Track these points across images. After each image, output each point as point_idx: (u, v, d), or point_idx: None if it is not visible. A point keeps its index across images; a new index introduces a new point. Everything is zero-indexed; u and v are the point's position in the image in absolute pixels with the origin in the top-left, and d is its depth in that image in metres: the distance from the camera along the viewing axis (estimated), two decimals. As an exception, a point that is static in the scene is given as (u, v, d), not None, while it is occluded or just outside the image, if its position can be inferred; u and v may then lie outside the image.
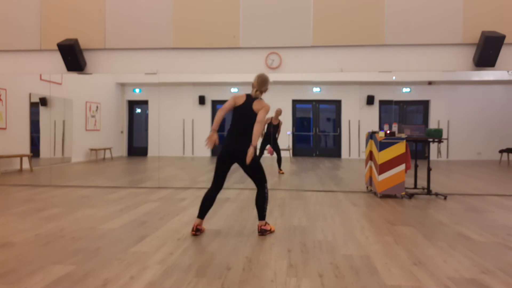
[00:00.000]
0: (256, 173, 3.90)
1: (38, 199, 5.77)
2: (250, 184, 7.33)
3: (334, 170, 9.86)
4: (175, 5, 6.92)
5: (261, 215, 3.91)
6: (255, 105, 3.85)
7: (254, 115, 3.83)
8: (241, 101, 3.91)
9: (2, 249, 3.38)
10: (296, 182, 7.71)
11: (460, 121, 13.07)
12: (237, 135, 3.86)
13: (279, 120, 9.28)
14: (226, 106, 3.90)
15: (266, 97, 4.09)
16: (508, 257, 3.26)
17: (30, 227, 4.10)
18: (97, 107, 12.84)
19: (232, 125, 3.93)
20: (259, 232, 3.90)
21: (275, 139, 9.26)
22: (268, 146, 9.21)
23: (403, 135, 6.09)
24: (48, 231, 3.95)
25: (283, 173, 9.08)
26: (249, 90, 4.04)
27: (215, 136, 3.83)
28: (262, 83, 3.94)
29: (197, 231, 3.84)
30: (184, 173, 9.07)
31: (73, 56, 6.83)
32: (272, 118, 9.16)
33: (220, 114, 3.85)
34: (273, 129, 9.16)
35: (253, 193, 6.29)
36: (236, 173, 9.16)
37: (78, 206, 5.26)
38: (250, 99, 3.92)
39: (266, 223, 3.94)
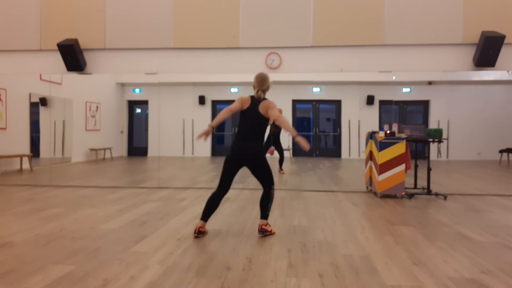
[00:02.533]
0: (264, 175, 3.89)
1: (38, 199, 5.77)
2: (250, 184, 7.33)
3: (334, 170, 9.86)
4: (175, 5, 6.92)
5: (264, 214, 3.89)
6: (261, 108, 3.81)
7: (261, 118, 3.81)
8: (247, 104, 3.86)
9: (2, 249, 3.38)
10: (296, 182, 7.71)
11: (460, 121, 13.07)
12: (245, 139, 3.83)
13: None
14: (232, 107, 3.84)
15: (265, 96, 4.05)
16: (508, 257, 3.26)
17: (30, 227, 4.10)
18: (97, 107, 12.84)
19: (240, 129, 3.90)
20: (259, 231, 3.87)
21: (278, 139, 9.23)
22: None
23: (403, 135, 6.09)
24: (48, 231, 3.95)
25: (283, 173, 9.08)
26: (249, 90, 4.04)
27: (210, 131, 3.75)
28: (261, 82, 3.89)
29: (199, 234, 3.79)
30: (184, 173, 9.07)
31: (73, 56, 6.83)
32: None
33: (225, 114, 3.79)
34: (275, 129, 9.14)
35: (253, 193, 6.29)
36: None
37: (78, 206, 5.26)
38: (255, 101, 3.87)
39: (267, 223, 3.90)
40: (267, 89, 3.95)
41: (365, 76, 12.54)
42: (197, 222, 4.03)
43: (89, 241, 3.63)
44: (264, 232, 3.86)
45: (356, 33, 6.68)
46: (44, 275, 2.78)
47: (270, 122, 4.12)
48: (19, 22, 7.14)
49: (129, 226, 4.20)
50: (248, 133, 3.84)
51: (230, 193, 6.29)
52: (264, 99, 3.90)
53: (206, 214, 3.83)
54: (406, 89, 13.82)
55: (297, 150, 14.05)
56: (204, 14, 6.89)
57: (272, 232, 3.94)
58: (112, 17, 7.01)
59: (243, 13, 6.82)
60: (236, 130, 3.95)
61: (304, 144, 3.60)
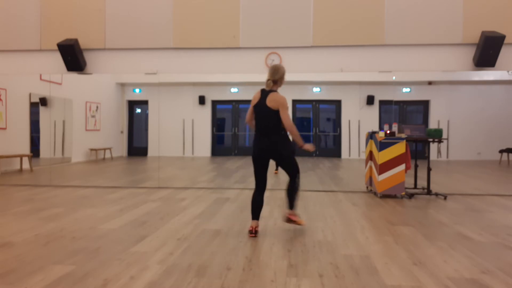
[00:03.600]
0: (289, 165, 3.91)
1: (38, 199, 5.77)
2: (250, 184, 7.33)
3: (334, 170, 9.86)
4: (175, 5, 6.92)
5: (291, 204, 3.95)
6: (269, 100, 3.74)
7: (269, 111, 3.74)
8: (256, 99, 3.85)
9: (2, 249, 3.38)
10: (296, 182, 7.70)
11: (460, 121, 13.07)
12: (260, 135, 3.85)
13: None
14: (247, 114, 3.98)
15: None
16: (508, 257, 3.26)
17: (30, 227, 4.10)
18: (97, 107, 12.84)
19: (255, 125, 3.91)
20: (286, 220, 3.96)
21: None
22: None
23: (403, 135, 6.09)
24: (48, 231, 3.95)
25: (277, 173, 9.03)
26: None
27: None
28: (273, 72, 3.84)
29: (255, 233, 3.83)
30: (184, 173, 9.08)
31: (73, 56, 6.82)
32: None
33: (249, 123, 4.00)
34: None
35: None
36: (236, 173, 9.16)
37: (78, 206, 5.26)
38: (264, 93, 3.82)
39: (295, 213, 3.98)
40: (279, 80, 3.86)
41: (365, 76, 12.55)
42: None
43: (89, 241, 3.63)
44: (291, 222, 3.96)
45: (356, 33, 6.67)
46: (44, 275, 2.78)
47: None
48: (19, 22, 7.14)
49: (129, 226, 4.20)
50: (260, 129, 3.84)
51: (230, 193, 6.30)
52: (274, 91, 3.83)
53: (255, 213, 3.89)
54: (406, 89, 13.82)
55: (297, 150, 14.02)
56: (204, 14, 6.89)
57: (301, 223, 4.00)
58: (112, 17, 7.01)
59: (243, 13, 6.82)
60: (255, 129, 3.96)
61: (310, 148, 3.77)
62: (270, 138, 3.79)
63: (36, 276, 2.76)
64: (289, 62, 6.84)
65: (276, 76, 3.83)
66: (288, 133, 3.88)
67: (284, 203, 5.49)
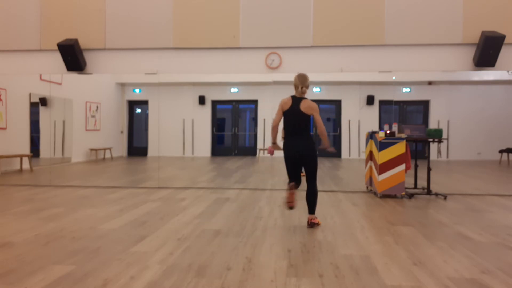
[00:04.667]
0: (314, 169, 4.23)
1: (38, 199, 5.77)
2: (250, 184, 7.34)
3: (334, 170, 9.86)
4: (175, 5, 6.92)
5: (312, 209, 4.23)
6: (302, 106, 4.12)
7: (303, 115, 4.11)
8: (288, 105, 4.19)
9: (2, 249, 3.38)
10: (296, 182, 7.69)
11: (460, 121, 13.07)
12: (292, 139, 4.20)
13: None
14: (276, 119, 4.25)
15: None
16: (508, 257, 3.26)
17: (30, 227, 4.10)
18: (97, 107, 12.84)
19: (286, 129, 4.26)
20: (308, 225, 4.19)
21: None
22: (268, 146, 9.15)
23: (403, 135, 6.09)
24: (48, 231, 3.96)
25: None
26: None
27: (276, 148, 4.39)
28: (304, 80, 4.20)
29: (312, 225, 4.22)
30: (184, 173, 9.08)
31: (73, 56, 6.82)
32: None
33: (274, 129, 4.27)
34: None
35: (253, 193, 6.30)
36: (236, 173, 9.16)
37: (78, 206, 5.26)
38: (296, 100, 4.18)
39: (315, 217, 4.24)
40: (307, 87, 4.25)
41: (365, 76, 12.54)
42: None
43: (89, 241, 3.63)
44: (313, 226, 4.21)
45: (356, 33, 6.67)
46: (44, 275, 2.78)
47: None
48: (19, 22, 7.14)
49: (129, 226, 4.20)
50: (292, 132, 4.19)
51: (230, 193, 6.30)
52: (305, 98, 4.22)
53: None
54: (406, 89, 13.82)
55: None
56: (204, 14, 6.89)
57: (319, 223, 4.29)
58: (112, 17, 7.01)
59: (243, 13, 6.82)
60: (283, 130, 4.37)
61: (334, 150, 4.29)
62: (303, 140, 4.16)
63: (36, 276, 2.76)
64: (289, 62, 6.84)
65: (306, 83, 4.22)
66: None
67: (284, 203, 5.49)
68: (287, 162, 4.26)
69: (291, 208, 4.16)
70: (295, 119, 4.16)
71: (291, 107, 4.17)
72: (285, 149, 4.24)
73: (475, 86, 13.33)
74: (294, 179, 4.26)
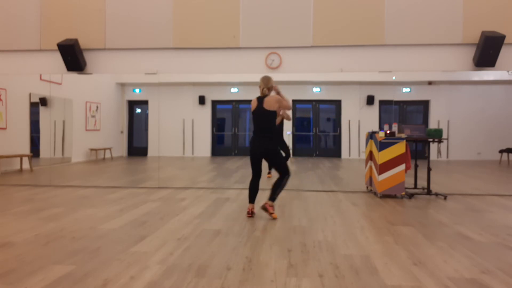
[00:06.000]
0: (278, 165, 4.54)
1: (38, 199, 5.77)
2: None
3: (334, 170, 9.86)
4: (175, 5, 6.92)
5: (271, 196, 4.49)
6: (266, 103, 4.43)
7: (267, 113, 4.43)
8: (254, 106, 4.54)
9: (2, 249, 3.38)
10: (296, 182, 7.70)
11: (460, 121, 13.08)
12: (258, 138, 4.50)
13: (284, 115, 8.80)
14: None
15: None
16: (508, 257, 3.26)
17: (30, 227, 4.11)
18: (97, 107, 12.84)
19: (254, 129, 4.60)
20: (262, 207, 4.50)
21: (282, 138, 9.08)
22: None
23: (403, 135, 6.09)
24: (48, 231, 3.96)
25: (270, 176, 8.96)
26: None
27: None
28: (266, 81, 4.55)
29: (252, 214, 4.58)
30: (184, 173, 9.08)
31: (73, 56, 6.82)
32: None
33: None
34: (278, 126, 8.93)
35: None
36: (236, 173, 9.16)
37: (78, 206, 5.26)
38: (260, 99, 4.51)
39: (272, 205, 4.49)
40: (271, 87, 4.59)
41: (365, 76, 12.54)
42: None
43: (89, 241, 3.63)
44: (266, 210, 4.48)
45: (356, 33, 6.67)
46: (44, 275, 2.78)
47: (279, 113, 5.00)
48: (19, 22, 7.14)
49: (129, 226, 4.20)
50: (258, 131, 4.51)
51: (230, 193, 6.30)
52: (269, 95, 4.53)
53: (252, 198, 4.61)
54: (406, 89, 13.82)
55: (297, 150, 14.06)
56: (204, 14, 6.89)
57: (273, 216, 4.49)
58: (112, 17, 7.01)
59: (243, 13, 6.82)
60: (253, 129, 4.68)
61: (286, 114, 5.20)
62: (266, 139, 4.48)
63: (36, 276, 2.76)
64: (289, 62, 6.84)
65: (269, 85, 4.56)
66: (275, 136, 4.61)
67: (284, 203, 5.49)
68: (252, 159, 4.58)
69: (249, 215, 4.57)
70: (260, 119, 4.50)
71: (256, 108, 4.51)
72: (252, 147, 4.55)
73: (475, 86, 13.34)
74: (256, 173, 4.58)
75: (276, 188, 4.50)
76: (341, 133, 13.97)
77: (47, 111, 10.66)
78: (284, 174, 4.52)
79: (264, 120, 4.47)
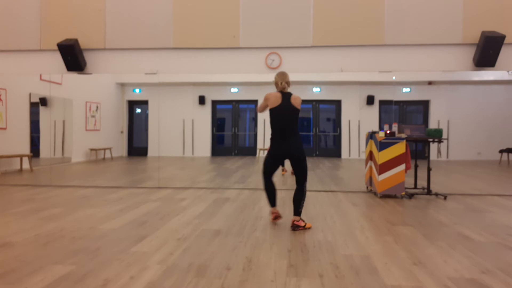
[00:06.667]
0: (303, 170, 4.13)
1: (38, 199, 5.77)
2: (250, 184, 7.33)
3: (334, 170, 9.86)
4: (175, 5, 6.92)
5: (297, 211, 4.08)
6: (294, 100, 4.10)
7: (296, 111, 4.10)
8: (277, 101, 4.08)
9: (2, 249, 3.38)
10: (296, 182, 7.69)
11: (460, 121, 13.06)
12: (285, 139, 4.07)
13: None
14: (262, 107, 4.31)
15: (263, 95, 4.15)
16: (508, 257, 3.26)
17: (30, 227, 4.10)
18: (97, 107, 12.84)
19: (276, 127, 4.11)
20: (292, 227, 4.06)
21: None
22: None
23: (403, 135, 6.09)
24: (48, 231, 3.95)
25: (285, 172, 9.05)
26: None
27: None
28: (284, 76, 4.20)
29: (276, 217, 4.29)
30: (184, 173, 9.08)
31: (73, 56, 6.83)
32: None
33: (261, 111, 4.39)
34: None
35: (253, 193, 6.29)
36: (236, 173, 9.16)
37: (78, 206, 5.26)
38: (286, 95, 4.13)
39: (300, 219, 4.10)
40: (289, 83, 4.25)
41: (365, 76, 12.55)
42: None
43: (89, 241, 3.63)
44: (297, 228, 4.05)
45: (356, 33, 6.67)
46: (44, 275, 2.78)
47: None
48: (19, 22, 7.14)
49: (129, 226, 4.20)
50: (285, 129, 4.07)
51: (230, 193, 6.30)
52: (290, 92, 4.22)
53: (274, 200, 4.29)
54: (406, 89, 13.82)
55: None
56: (204, 14, 6.89)
57: (307, 226, 4.10)
58: (112, 17, 7.01)
59: (243, 13, 6.82)
60: (271, 129, 4.19)
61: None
62: (295, 140, 4.08)
63: (36, 276, 2.76)
64: (289, 62, 6.84)
65: (287, 79, 4.20)
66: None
67: (284, 203, 5.49)
68: (272, 160, 4.23)
69: (279, 217, 4.32)
70: (287, 116, 4.09)
71: (282, 104, 4.10)
72: (275, 148, 4.15)
73: (475, 86, 13.33)
74: (271, 174, 4.28)
75: (300, 200, 4.08)
76: (341, 133, 13.97)
77: (47, 111, 10.66)
78: (304, 180, 4.13)
79: (292, 119, 4.06)
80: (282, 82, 4.16)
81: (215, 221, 4.44)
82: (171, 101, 14.40)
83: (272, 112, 4.10)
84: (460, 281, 2.73)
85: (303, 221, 4.12)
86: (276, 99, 4.07)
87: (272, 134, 4.16)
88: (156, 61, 7.05)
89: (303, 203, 4.11)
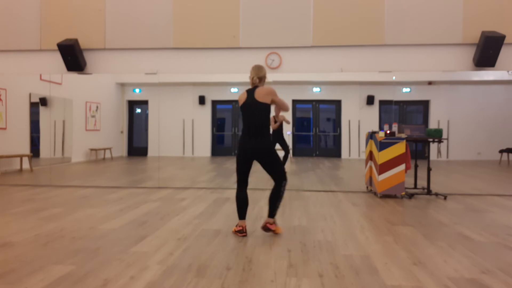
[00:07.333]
0: (275, 168, 3.83)
1: (38, 199, 5.77)
2: (250, 184, 7.31)
3: (334, 170, 9.86)
4: (175, 5, 6.92)
5: (271, 213, 3.83)
6: (257, 95, 3.77)
7: (260, 106, 3.75)
8: (243, 99, 3.84)
9: (2, 249, 3.38)
10: (296, 182, 7.70)
11: (460, 121, 13.06)
12: (250, 136, 3.77)
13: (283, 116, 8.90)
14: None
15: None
16: (508, 257, 3.26)
17: (30, 227, 4.10)
18: (97, 107, 12.84)
19: (244, 124, 3.83)
20: (263, 227, 3.86)
21: (282, 136, 9.17)
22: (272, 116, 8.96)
23: (403, 135, 6.09)
24: (48, 231, 3.95)
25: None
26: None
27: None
28: (258, 70, 3.87)
29: (246, 232, 3.82)
30: (184, 173, 9.07)
31: (73, 56, 6.83)
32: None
33: None
34: (276, 125, 8.97)
35: (253, 193, 6.29)
36: (236, 173, 9.15)
37: (78, 206, 5.26)
38: (250, 91, 3.84)
39: (274, 222, 3.86)
40: (263, 77, 3.89)
41: (365, 76, 12.54)
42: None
43: (89, 241, 3.63)
44: (268, 231, 3.85)
45: (356, 33, 6.67)
46: (44, 275, 2.78)
47: (277, 113, 4.15)
48: (19, 22, 7.14)
49: (129, 226, 4.20)
50: (251, 126, 3.78)
51: (230, 193, 6.30)
52: (260, 86, 3.87)
53: (244, 213, 3.86)
54: (406, 89, 13.81)
55: (297, 150, 14.05)
56: (204, 14, 6.89)
57: (276, 231, 3.86)
58: (112, 17, 7.01)
59: (243, 13, 6.82)
60: (241, 128, 3.91)
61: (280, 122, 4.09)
62: (260, 134, 3.76)
63: (36, 276, 2.76)
64: (289, 62, 6.84)
65: (261, 74, 3.87)
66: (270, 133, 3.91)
67: (284, 203, 5.49)
68: (240, 160, 3.85)
69: (244, 233, 3.83)
70: (252, 111, 3.78)
71: (247, 100, 3.81)
72: (241, 145, 3.83)
73: (475, 86, 13.33)
74: (244, 182, 3.90)
75: (275, 201, 3.81)
76: (341, 133, 13.96)
77: (47, 111, 10.65)
78: (281, 179, 3.81)
79: (257, 114, 3.74)
80: (253, 77, 3.86)
81: (215, 221, 4.44)
82: (171, 101, 14.40)
83: (241, 110, 3.88)
84: (460, 281, 2.73)
85: (276, 225, 3.88)
86: (242, 97, 3.86)
87: (241, 131, 3.89)
88: (156, 61, 7.05)
89: (279, 204, 3.83)
